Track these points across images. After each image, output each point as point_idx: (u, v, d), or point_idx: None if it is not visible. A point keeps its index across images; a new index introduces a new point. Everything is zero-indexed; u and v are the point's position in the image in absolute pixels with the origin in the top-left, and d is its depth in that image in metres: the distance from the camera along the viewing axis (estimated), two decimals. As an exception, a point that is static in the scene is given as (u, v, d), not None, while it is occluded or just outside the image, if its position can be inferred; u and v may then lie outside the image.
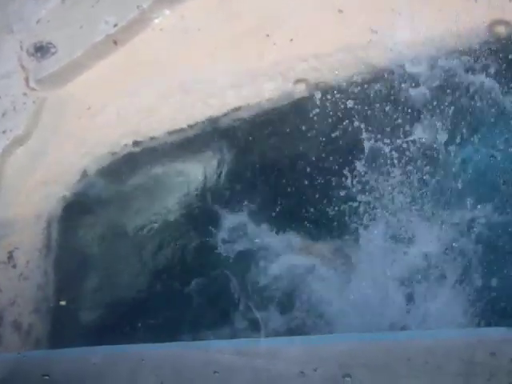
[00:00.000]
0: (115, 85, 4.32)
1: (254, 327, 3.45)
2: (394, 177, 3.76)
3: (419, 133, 3.80)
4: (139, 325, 3.66)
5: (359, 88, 3.86)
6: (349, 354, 2.36)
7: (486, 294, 3.41)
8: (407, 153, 3.76)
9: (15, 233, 3.94)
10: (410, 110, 3.80)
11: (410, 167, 3.76)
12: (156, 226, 4.03)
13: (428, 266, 3.54)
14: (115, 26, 4.47)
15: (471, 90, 3.76)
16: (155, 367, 2.57)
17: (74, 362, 2.65)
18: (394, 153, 3.76)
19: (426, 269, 3.54)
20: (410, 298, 3.48)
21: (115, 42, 4.50)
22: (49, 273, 3.81)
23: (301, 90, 3.93)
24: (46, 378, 2.51)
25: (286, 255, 3.84)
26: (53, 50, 4.57)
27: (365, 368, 2.26)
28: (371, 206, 3.76)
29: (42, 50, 4.60)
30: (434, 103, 3.78)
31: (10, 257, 3.87)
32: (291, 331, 3.47)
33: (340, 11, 4.03)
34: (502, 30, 3.74)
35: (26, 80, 4.58)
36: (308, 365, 2.35)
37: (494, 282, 3.38)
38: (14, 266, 3.85)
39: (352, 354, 2.36)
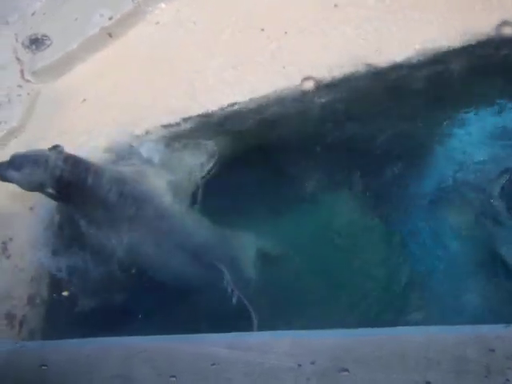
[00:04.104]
0: (110, 78, 4.32)
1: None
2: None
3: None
4: (134, 316, 3.67)
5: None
6: (342, 349, 2.36)
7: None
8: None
9: (9, 225, 3.95)
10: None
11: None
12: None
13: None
14: (110, 18, 4.49)
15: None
16: (149, 359, 2.58)
17: (69, 353, 2.67)
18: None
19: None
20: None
21: (110, 35, 4.52)
22: (43, 265, 3.81)
23: (299, 85, 3.92)
24: (44, 368, 2.53)
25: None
26: (48, 43, 4.58)
27: (358, 363, 2.27)
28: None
29: (37, 43, 4.61)
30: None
31: (4, 248, 3.87)
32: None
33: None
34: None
35: (21, 72, 4.60)
36: (301, 359, 2.36)
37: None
38: (8, 257, 3.86)
39: (346, 349, 2.35)
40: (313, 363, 2.32)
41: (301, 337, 2.52)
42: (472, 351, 2.15)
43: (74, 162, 3.53)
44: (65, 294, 3.76)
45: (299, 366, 2.34)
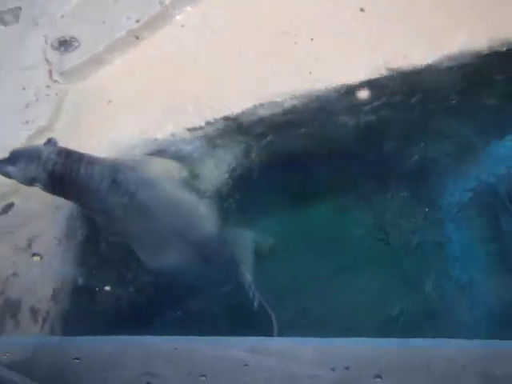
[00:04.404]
0: (136, 80, 4.37)
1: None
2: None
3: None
4: (158, 316, 3.70)
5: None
6: (364, 359, 2.37)
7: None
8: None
9: (35, 222, 4.01)
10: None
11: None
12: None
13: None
14: (137, 21, 4.54)
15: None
16: (170, 360, 2.60)
17: (94, 349, 2.71)
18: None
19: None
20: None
21: (137, 38, 4.56)
22: (68, 262, 3.86)
23: (321, 90, 3.93)
24: (77, 361, 2.57)
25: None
26: (76, 44, 4.65)
27: (383, 373, 2.27)
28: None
29: (65, 44, 4.68)
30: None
31: (30, 244, 3.93)
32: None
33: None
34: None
35: (50, 72, 4.67)
36: (321, 367, 2.37)
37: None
38: (34, 254, 3.91)
39: (367, 359, 2.37)
40: (332, 372, 2.33)
41: (321, 344, 2.52)
42: (500, 366, 2.13)
43: (67, 154, 3.54)
44: (107, 288, 3.79)
45: (319, 374, 2.34)
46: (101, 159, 3.59)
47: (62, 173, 3.49)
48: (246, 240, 3.81)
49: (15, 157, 3.56)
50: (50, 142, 3.65)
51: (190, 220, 3.67)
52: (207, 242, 3.61)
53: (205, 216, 3.71)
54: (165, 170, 3.77)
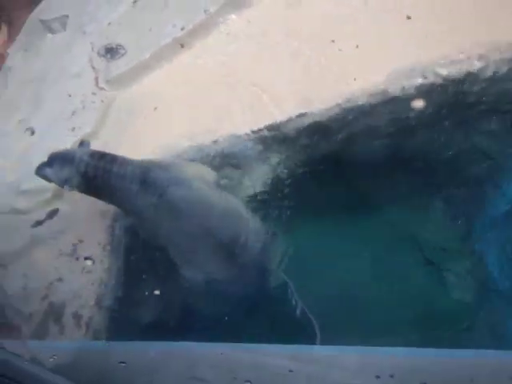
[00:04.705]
0: (181, 87, 4.39)
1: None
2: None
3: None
4: (199, 324, 3.68)
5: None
6: (408, 368, 2.34)
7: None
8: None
9: (80, 227, 4.06)
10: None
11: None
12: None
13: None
14: (182, 29, 4.57)
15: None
16: (212, 365, 2.59)
17: (137, 354, 2.72)
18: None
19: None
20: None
21: (182, 45, 4.60)
22: (111, 268, 3.89)
23: (365, 97, 3.88)
24: (123, 365, 2.58)
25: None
26: (122, 52, 4.71)
27: (428, 382, 2.23)
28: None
29: (111, 52, 4.75)
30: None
31: (74, 250, 3.97)
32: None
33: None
34: None
35: (96, 80, 4.74)
36: (365, 374, 2.33)
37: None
38: (78, 259, 3.95)
39: (411, 368, 2.33)
40: (378, 377, 2.29)
41: (367, 352, 2.48)
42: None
43: (100, 156, 3.57)
44: (156, 292, 3.80)
45: (364, 381, 2.31)
46: (134, 161, 3.59)
47: (95, 174, 3.52)
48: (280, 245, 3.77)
49: (52, 160, 3.63)
50: (83, 144, 3.74)
51: (224, 221, 3.58)
52: (242, 245, 3.52)
53: (241, 218, 3.65)
54: (198, 173, 3.71)
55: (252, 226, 3.66)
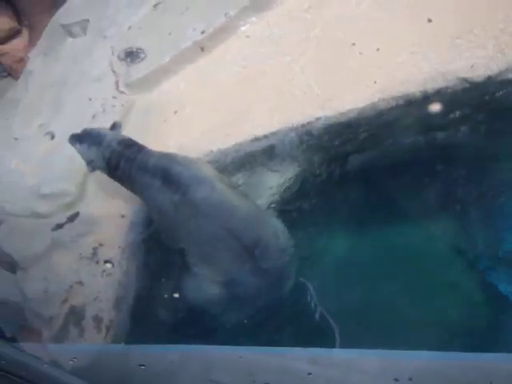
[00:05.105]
0: (201, 90, 4.40)
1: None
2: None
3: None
4: (217, 327, 3.66)
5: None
6: (428, 372, 2.32)
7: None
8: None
9: (100, 231, 4.07)
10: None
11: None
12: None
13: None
14: (203, 32, 4.58)
15: None
16: (230, 369, 2.59)
17: (155, 357, 2.72)
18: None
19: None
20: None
21: (202, 49, 4.60)
22: (130, 271, 3.89)
23: (383, 102, 3.85)
24: (143, 367, 2.59)
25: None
26: (142, 56, 4.73)
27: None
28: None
29: (132, 55, 4.76)
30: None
31: (94, 253, 3.98)
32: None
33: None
34: None
35: (116, 84, 4.76)
36: (384, 377, 2.32)
37: None
38: (97, 262, 3.96)
39: (430, 371, 2.32)
40: (396, 380, 2.28)
41: (385, 356, 2.47)
42: None
43: (127, 145, 3.62)
44: (176, 295, 3.77)
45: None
46: (158, 153, 3.61)
47: (118, 162, 3.57)
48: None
49: (83, 136, 3.71)
50: (115, 126, 3.79)
51: (246, 223, 3.51)
52: (263, 248, 3.43)
53: (263, 222, 3.62)
54: (216, 173, 3.67)
55: (273, 229, 3.59)
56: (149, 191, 3.53)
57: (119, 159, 3.57)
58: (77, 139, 3.71)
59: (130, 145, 3.63)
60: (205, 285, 3.54)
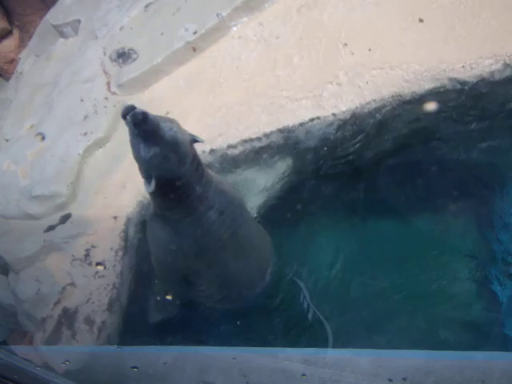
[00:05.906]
0: (193, 91, 4.39)
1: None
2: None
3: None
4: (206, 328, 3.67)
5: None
6: (421, 371, 2.32)
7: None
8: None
9: (92, 232, 4.05)
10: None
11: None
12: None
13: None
14: (195, 33, 4.57)
15: None
16: (224, 370, 2.59)
17: (149, 359, 2.72)
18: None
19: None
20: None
21: (194, 49, 4.59)
22: (123, 273, 3.87)
23: (375, 102, 3.86)
24: (135, 369, 2.58)
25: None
26: (134, 56, 4.71)
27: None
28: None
29: (123, 56, 4.75)
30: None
31: (87, 255, 3.96)
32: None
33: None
34: None
35: (108, 84, 4.74)
36: (378, 377, 2.32)
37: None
38: (90, 264, 3.94)
39: (424, 371, 2.32)
40: (390, 380, 2.29)
41: (379, 355, 2.48)
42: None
43: (198, 164, 3.07)
44: (168, 297, 3.78)
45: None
46: (213, 180, 3.21)
47: (184, 183, 3.01)
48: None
49: (158, 134, 3.02)
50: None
51: (262, 259, 3.71)
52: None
53: (269, 251, 3.78)
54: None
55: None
56: (200, 221, 3.17)
57: (184, 179, 3.01)
58: (141, 119, 3.06)
59: (199, 165, 3.10)
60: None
